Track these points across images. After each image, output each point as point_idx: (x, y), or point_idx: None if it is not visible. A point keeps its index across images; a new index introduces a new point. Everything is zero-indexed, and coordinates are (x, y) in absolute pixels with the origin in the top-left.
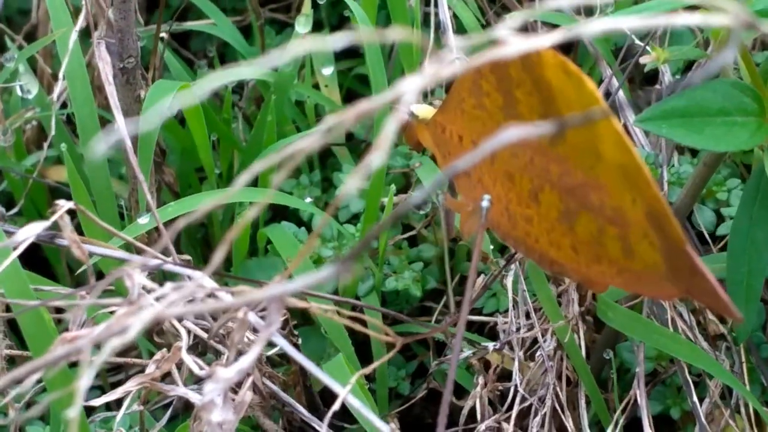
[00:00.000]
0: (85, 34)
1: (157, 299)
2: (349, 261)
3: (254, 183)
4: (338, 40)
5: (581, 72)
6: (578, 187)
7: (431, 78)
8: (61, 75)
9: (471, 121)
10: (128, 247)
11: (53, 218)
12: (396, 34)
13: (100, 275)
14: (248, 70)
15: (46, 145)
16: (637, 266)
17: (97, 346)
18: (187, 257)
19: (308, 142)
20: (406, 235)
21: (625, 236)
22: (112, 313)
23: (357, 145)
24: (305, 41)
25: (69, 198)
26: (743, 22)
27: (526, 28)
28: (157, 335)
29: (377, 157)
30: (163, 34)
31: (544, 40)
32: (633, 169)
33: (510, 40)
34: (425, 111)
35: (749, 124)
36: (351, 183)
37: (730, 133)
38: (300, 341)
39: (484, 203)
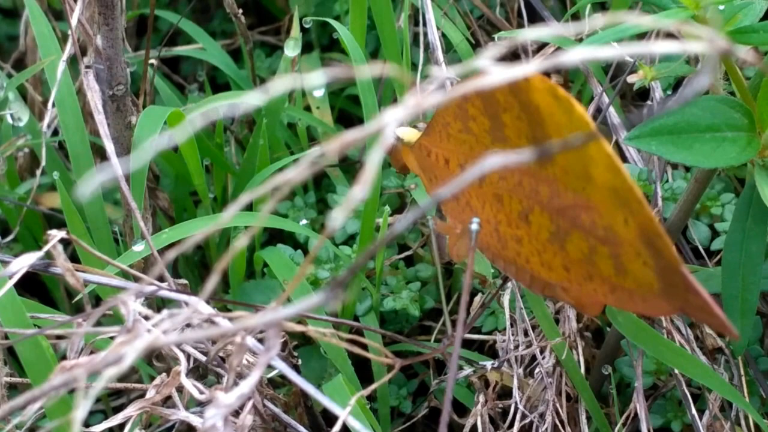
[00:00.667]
0: (75, 60)
1: (154, 326)
2: (339, 286)
3: (249, 206)
4: (320, 77)
5: (570, 96)
6: (569, 207)
7: (414, 108)
8: (50, 104)
9: (457, 145)
10: (125, 273)
11: (45, 248)
12: (383, 68)
13: (98, 301)
14: (239, 102)
15: (38, 172)
16: (630, 284)
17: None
18: (184, 281)
19: (296, 172)
20: (402, 255)
21: (618, 255)
22: (112, 338)
23: (351, 166)
24: (288, 78)
25: (64, 225)
26: (720, 48)
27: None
28: (156, 360)
29: (359, 191)
30: (152, 60)
31: (525, 70)
32: (624, 191)
33: (492, 69)
34: (410, 134)
35: (739, 140)
36: (337, 217)
37: (719, 149)
38: (300, 362)
39: (474, 226)
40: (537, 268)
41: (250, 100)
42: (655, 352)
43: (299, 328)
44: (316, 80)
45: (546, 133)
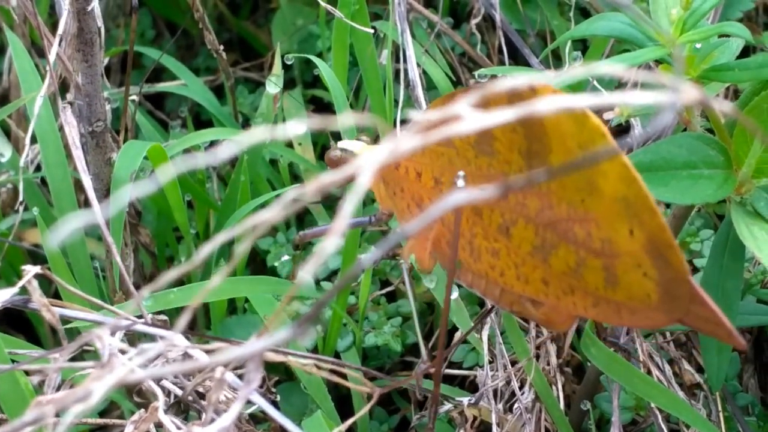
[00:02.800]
0: (61, 96)
1: (128, 360)
2: (309, 321)
3: (230, 243)
4: (301, 126)
5: (586, 108)
6: (561, 221)
7: (391, 152)
8: (27, 140)
9: (434, 158)
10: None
11: (20, 284)
12: (363, 117)
13: (79, 334)
14: (221, 144)
15: (21, 208)
16: (620, 297)
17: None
18: (164, 317)
19: (276, 210)
20: (384, 291)
21: (611, 267)
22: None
23: (333, 202)
24: (265, 129)
25: (47, 260)
26: (690, 98)
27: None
28: (137, 395)
29: (331, 244)
30: (134, 96)
31: (500, 117)
32: (639, 201)
33: (468, 115)
34: (359, 147)
35: (716, 177)
36: (305, 274)
37: (696, 186)
38: (280, 398)
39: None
40: (511, 282)
41: (231, 145)
42: (630, 385)
43: (279, 357)
44: (296, 129)
45: (546, 147)
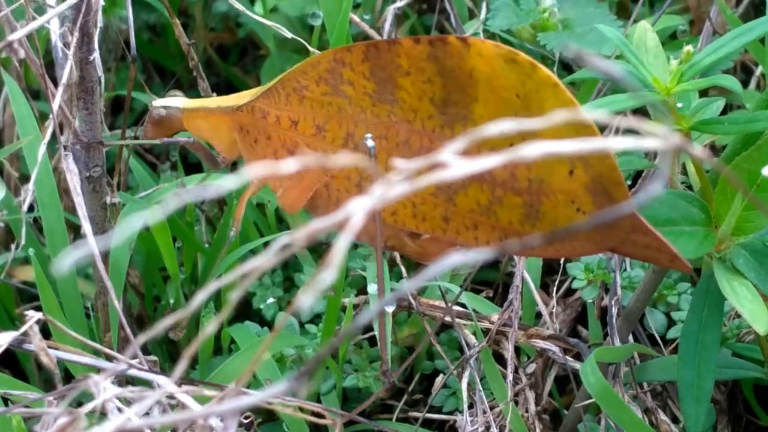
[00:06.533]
0: (53, 138)
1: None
2: (305, 375)
3: (218, 291)
4: (293, 164)
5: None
6: None
7: (379, 199)
8: (31, 186)
9: (317, 108)
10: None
11: (23, 329)
12: (357, 160)
13: (67, 372)
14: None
15: (13, 247)
16: (538, 230)
17: None
18: (153, 358)
19: (264, 259)
20: (366, 336)
21: (535, 204)
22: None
23: (318, 246)
24: (259, 166)
25: (36, 298)
26: (674, 146)
27: None
28: None
29: (327, 276)
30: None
31: (486, 163)
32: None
33: (454, 162)
34: (179, 102)
35: (696, 234)
36: (305, 300)
37: (677, 243)
38: None
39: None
40: (404, 220)
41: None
42: (620, 421)
43: (264, 404)
44: (287, 167)
45: (470, 96)
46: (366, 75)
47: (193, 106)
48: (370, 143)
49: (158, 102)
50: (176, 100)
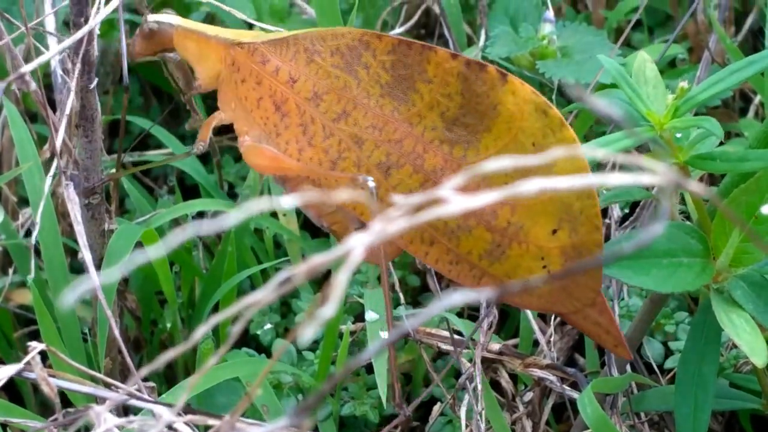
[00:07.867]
0: (50, 161)
1: None
2: (307, 410)
3: (215, 308)
4: (292, 201)
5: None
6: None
7: (379, 234)
8: (39, 216)
9: (323, 76)
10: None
11: (25, 360)
12: (354, 194)
13: (64, 397)
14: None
15: (11, 271)
16: (495, 271)
17: None
18: (152, 384)
19: (264, 293)
20: (364, 362)
21: (504, 246)
22: None
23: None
24: (256, 203)
25: (32, 321)
26: (672, 182)
27: None
28: None
29: (328, 309)
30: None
31: (485, 199)
32: (585, 213)
33: (452, 198)
34: (174, 19)
35: (695, 265)
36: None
37: (675, 274)
38: None
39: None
40: (361, 209)
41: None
42: None
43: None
44: (287, 203)
45: (485, 126)
46: (386, 66)
47: (188, 26)
48: (371, 184)
49: (153, 17)
50: (171, 17)
